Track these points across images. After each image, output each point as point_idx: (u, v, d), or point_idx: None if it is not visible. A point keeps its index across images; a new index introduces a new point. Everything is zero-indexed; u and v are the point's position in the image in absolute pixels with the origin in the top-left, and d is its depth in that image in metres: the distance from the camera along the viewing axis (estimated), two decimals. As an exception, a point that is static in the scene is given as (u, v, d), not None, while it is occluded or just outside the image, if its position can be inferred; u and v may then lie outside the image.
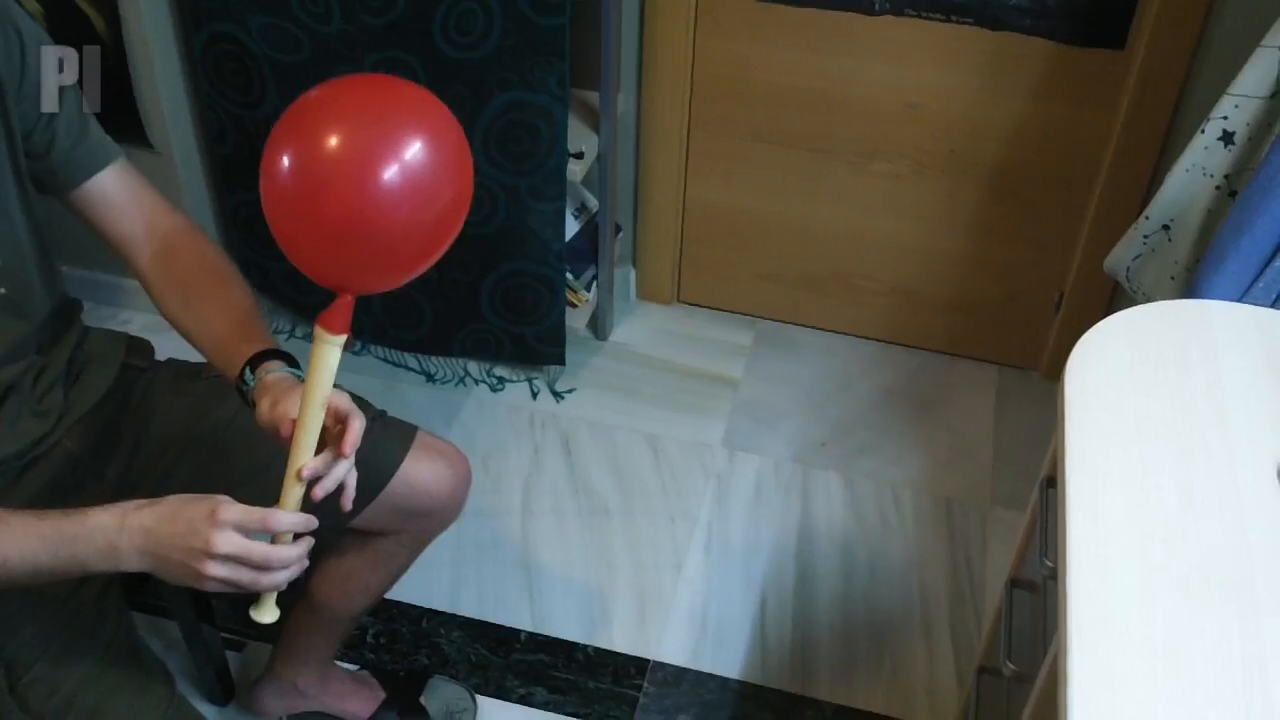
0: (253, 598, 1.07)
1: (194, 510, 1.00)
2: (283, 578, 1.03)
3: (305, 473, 1.03)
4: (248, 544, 0.99)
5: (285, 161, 0.70)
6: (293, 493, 1.03)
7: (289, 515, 1.02)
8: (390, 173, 0.72)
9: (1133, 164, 1.98)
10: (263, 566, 1.00)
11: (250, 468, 1.30)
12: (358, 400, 1.12)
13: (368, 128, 0.70)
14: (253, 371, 1.13)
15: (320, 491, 1.05)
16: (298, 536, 1.04)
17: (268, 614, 1.07)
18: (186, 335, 1.22)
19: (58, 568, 1.01)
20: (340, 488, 1.09)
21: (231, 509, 0.99)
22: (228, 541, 0.98)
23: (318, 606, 1.51)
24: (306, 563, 1.05)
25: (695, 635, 1.85)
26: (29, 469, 1.24)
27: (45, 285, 1.23)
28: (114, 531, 1.00)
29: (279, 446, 1.05)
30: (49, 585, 1.16)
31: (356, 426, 1.05)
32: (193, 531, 0.98)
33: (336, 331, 1.01)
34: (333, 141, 0.68)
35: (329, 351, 1.01)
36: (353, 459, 1.07)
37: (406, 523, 1.41)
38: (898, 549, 2.00)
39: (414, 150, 0.73)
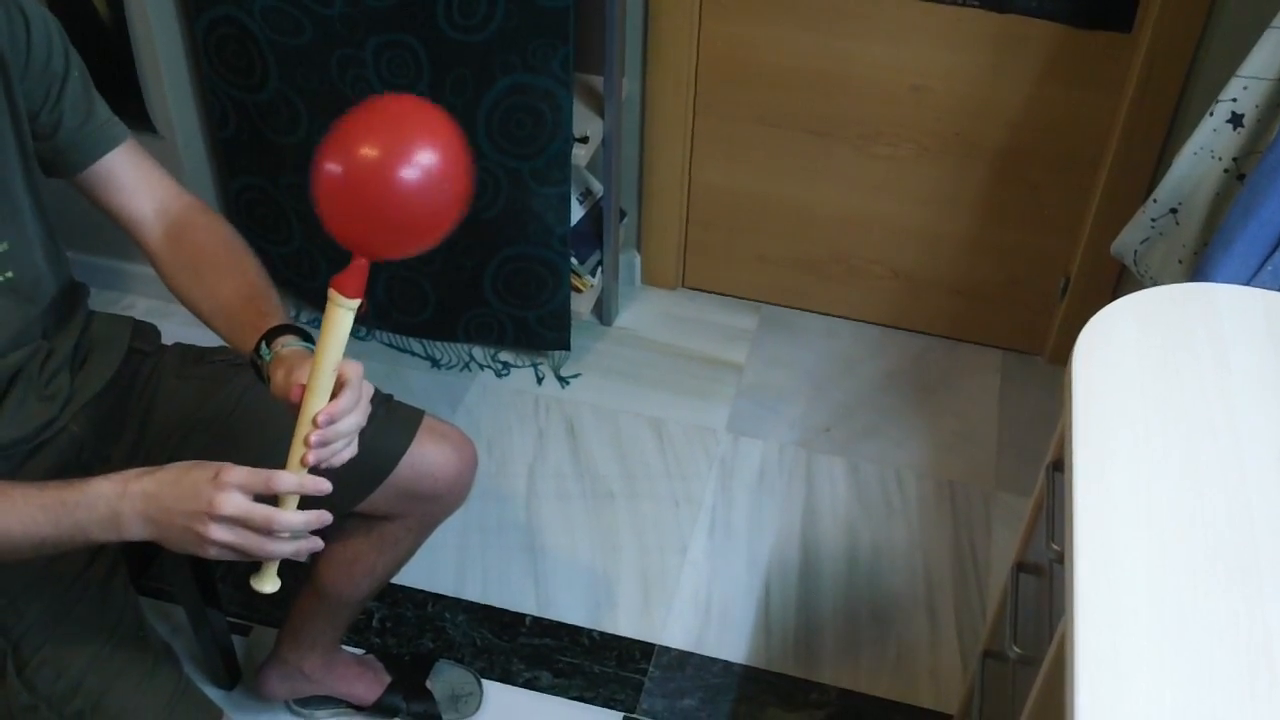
0: (255, 568, 1.06)
1: (197, 474, 0.99)
2: (288, 548, 1.02)
3: (322, 418, 1.01)
4: (250, 505, 0.98)
5: (339, 157, 0.94)
6: (298, 458, 1.03)
7: (293, 476, 1.01)
8: (414, 170, 0.94)
9: (1139, 147, 1.98)
10: (265, 530, 0.99)
11: (256, 451, 1.28)
12: None
13: (401, 137, 0.95)
14: (268, 345, 1.13)
15: (319, 463, 1.04)
16: (308, 506, 1.03)
17: (268, 583, 1.06)
18: (198, 312, 1.21)
19: (61, 538, 1.01)
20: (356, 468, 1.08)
21: (235, 471, 0.99)
22: (231, 503, 0.97)
23: (323, 591, 1.51)
24: (320, 543, 1.04)
25: (699, 619, 1.85)
26: (35, 453, 1.24)
27: (51, 270, 1.23)
28: (115, 498, 1.00)
29: (285, 429, 1.05)
30: (54, 565, 1.16)
31: (348, 396, 1.04)
32: (195, 494, 0.98)
33: (350, 295, 1.00)
34: (373, 148, 0.94)
35: (341, 315, 1.01)
36: (362, 424, 1.07)
37: (412, 507, 1.41)
38: (902, 533, 2.00)
39: (431, 155, 0.95)
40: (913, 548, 1.97)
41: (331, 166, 0.94)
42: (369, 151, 0.93)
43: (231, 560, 1.02)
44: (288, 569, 1.08)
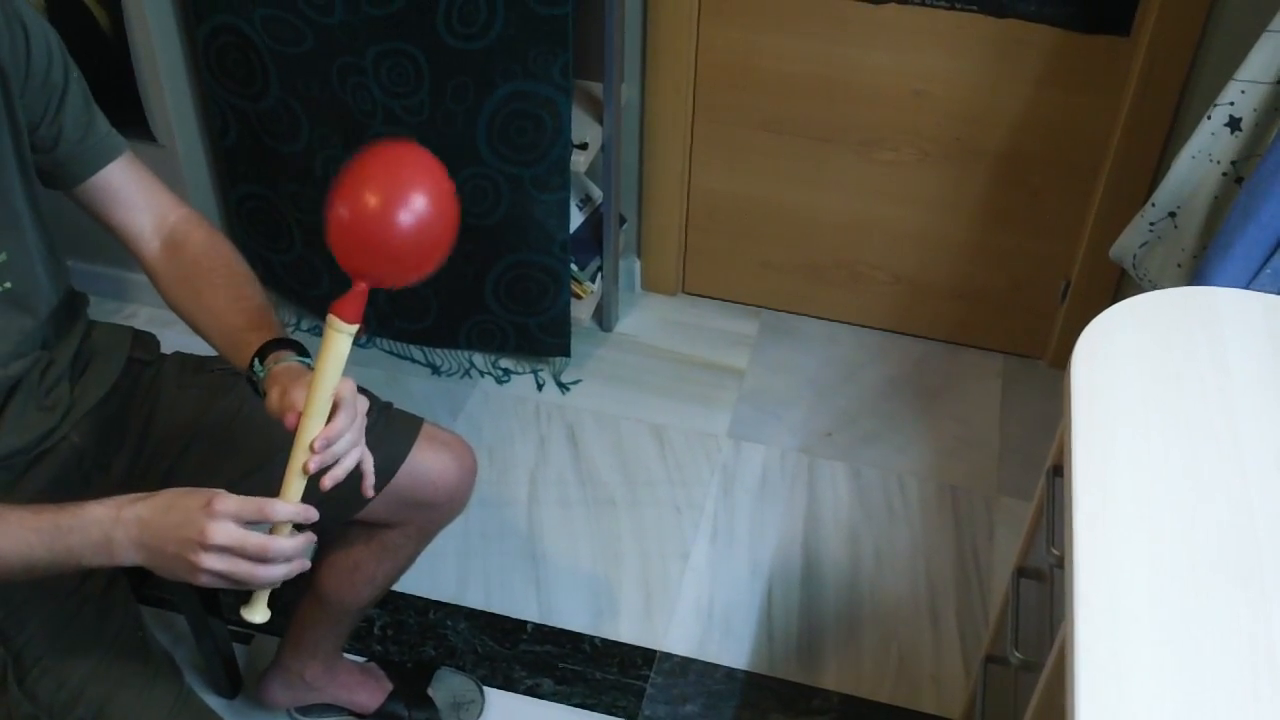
0: (247, 596, 1.06)
1: (189, 501, 0.99)
2: (279, 572, 1.01)
3: (319, 443, 1.02)
4: (243, 534, 0.98)
5: (349, 203, 1.00)
6: (294, 484, 1.03)
7: (287, 506, 1.02)
8: (410, 216, 1.00)
9: (1138, 151, 1.98)
10: (259, 558, 0.99)
11: (256, 460, 1.30)
12: (363, 391, 1.12)
13: (397, 186, 1.01)
14: (262, 361, 1.13)
15: (329, 481, 1.04)
16: (298, 530, 1.04)
17: (258, 613, 1.06)
18: (195, 327, 1.22)
19: (54, 562, 1.01)
20: (359, 475, 1.08)
21: (228, 500, 0.99)
22: (223, 532, 0.97)
23: (325, 599, 1.51)
24: (308, 564, 1.04)
25: (702, 625, 1.85)
26: (36, 463, 1.24)
27: (51, 280, 1.23)
28: (109, 524, 1.00)
29: (285, 439, 1.05)
30: (51, 579, 1.16)
31: (343, 417, 1.04)
32: (188, 522, 0.98)
33: (349, 320, 1.02)
34: (377, 196, 1.00)
35: (340, 341, 1.02)
36: (361, 442, 1.07)
37: (412, 514, 1.41)
38: (904, 538, 1.99)
39: (425, 201, 1.01)
40: (915, 553, 1.97)
41: (340, 212, 0.99)
42: (373, 200, 0.99)
43: (223, 589, 1.01)
44: (290, 578, 1.08)
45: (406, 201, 0.99)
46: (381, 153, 1.02)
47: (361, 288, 1.01)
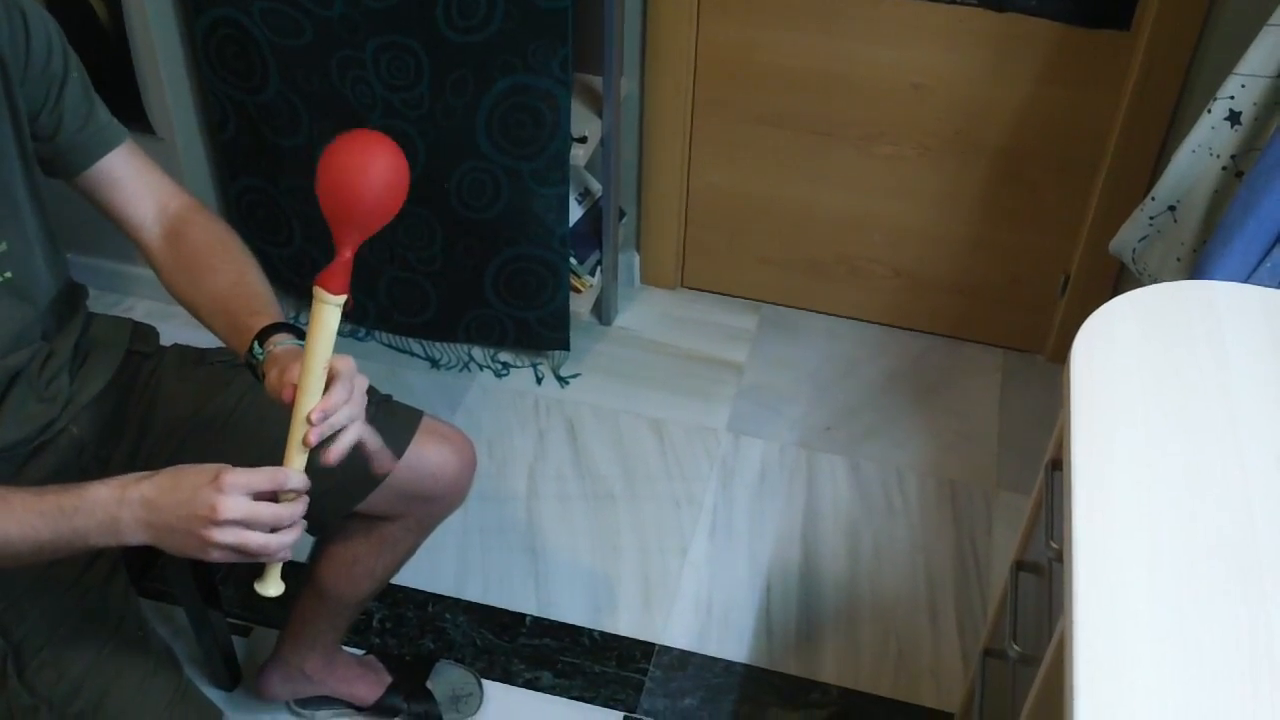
0: (257, 572, 1.06)
1: (195, 478, 0.99)
2: (290, 539, 1.02)
3: (315, 415, 1.02)
4: (256, 506, 0.98)
5: (335, 168, 1.04)
6: (296, 458, 1.03)
7: (298, 474, 1.02)
8: (381, 176, 1.04)
9: (1138, 145, 1.98)
10: (272, 529, 1.00)
11: (256, 453, 1.29)
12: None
13: (365, 155, 1.04)
14: (262, 345, 1.13)
15: (333, 456, 1.04)
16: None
17: (273, 587, 1.06)
18: (196, 314, 1.22)
19: (59, 544, 1.01)
20: (365, 456, 1.08)
21: (237, 473, 0.98)
22: (236, 505, 0.97)
23: (324, 592, 1.51)
24: (304, 525, 1.04)
25: (701, 619, 1.85)
26: (35, 455, 1.24)
27: (51, 270, 1.24)
28: (114, 504, 1.00)
29: (285, 430, 1.05)
30: (55, 568, 1.16)
31: (340, 390, 1.04)
32: (196, 499, 0.98)
33: (334, 291, 1.02)
34: (357, 159, 1.04)
35: (328, 313, 1.02)
36: (361, 417, 1.07)
37: (412, 507, 1.41)
38: (903, 532, 2.00)
39: (390, 165, 1.04)
40: (914, 547, 1.97)
41: (328, 171, 1.02)
42: (352, 159, 1.02)
43: (234, 562, 1.02)
44: (290, 571, 1.08)
45: (378, 153, 1.02)
46: (352, 135, 1.07)
47: (344, 257, 1.01)
